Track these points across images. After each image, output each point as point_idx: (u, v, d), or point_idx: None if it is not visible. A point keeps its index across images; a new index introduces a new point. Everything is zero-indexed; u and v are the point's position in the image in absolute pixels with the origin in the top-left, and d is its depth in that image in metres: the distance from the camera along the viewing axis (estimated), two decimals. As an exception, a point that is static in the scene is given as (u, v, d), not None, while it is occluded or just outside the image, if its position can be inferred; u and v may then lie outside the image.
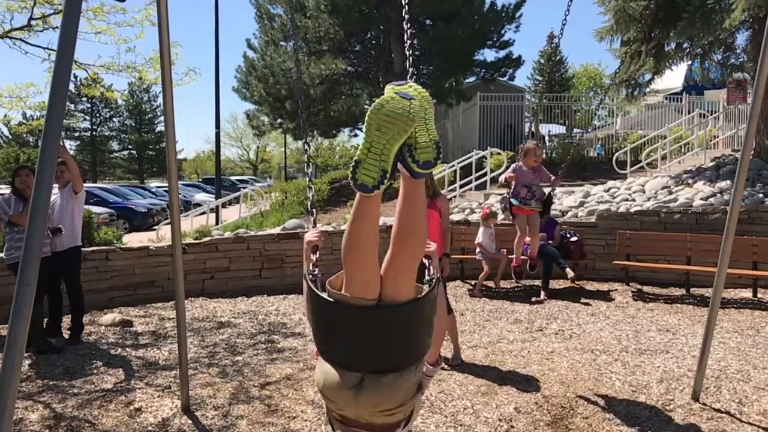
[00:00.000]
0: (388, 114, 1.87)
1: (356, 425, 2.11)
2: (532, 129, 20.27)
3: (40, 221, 2.24)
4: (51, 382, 4.88)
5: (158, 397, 4.55)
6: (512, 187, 5.13)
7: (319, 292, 2.10)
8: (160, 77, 3.94)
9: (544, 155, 5.50)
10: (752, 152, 11.60)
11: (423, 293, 2.13)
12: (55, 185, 6.38)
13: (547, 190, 5.36)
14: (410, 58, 2.91)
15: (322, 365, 2.12)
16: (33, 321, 5.21)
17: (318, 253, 2.49)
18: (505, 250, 8.68)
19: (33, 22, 7.39)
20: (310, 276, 2.28)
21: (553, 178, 5.26)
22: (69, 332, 6.16)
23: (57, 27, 7.31)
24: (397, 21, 19.42)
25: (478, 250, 8.61)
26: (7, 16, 7.49)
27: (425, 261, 2.38)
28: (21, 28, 7.49)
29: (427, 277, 2.32)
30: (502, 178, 5.42)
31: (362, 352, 2.03)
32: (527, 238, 5.35)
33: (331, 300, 2.05)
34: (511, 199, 5.15)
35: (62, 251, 5.93)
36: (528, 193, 5.09)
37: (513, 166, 5.22)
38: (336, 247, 9.39)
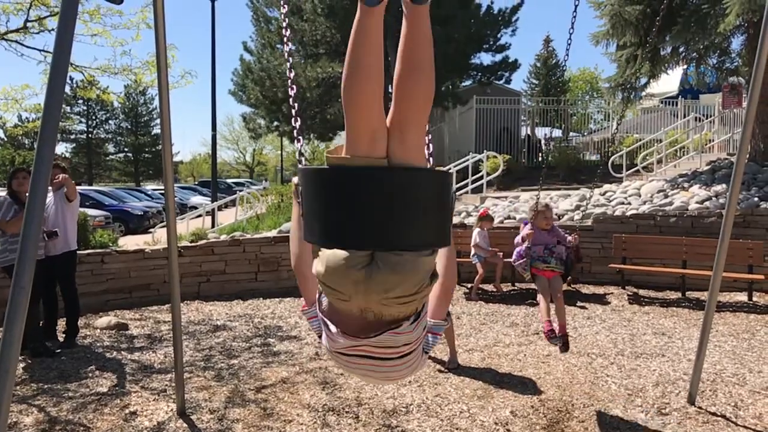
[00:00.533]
0: None
1: (360, 329, 1.84)
2: (528, 132, 20.36)
3: (36, 224, 2.23)
4: (46, 386, 4.86)
5: (153, 400, 4.54)
6: (526, 245, 4.98)
7: (311, 165, 1.78)
8: (156, 80, 3.93)
9: (555, 216, 5.49)
10: (747, 156, 11.64)
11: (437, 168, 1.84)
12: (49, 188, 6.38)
13: (564, 251, 5.17)
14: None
15: (323, 254, 1.79)
16: (28, 324, 5.20)
17: None
18: (501, 253, 8.70)
19: (29, 24, 7.38)
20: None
21: (569, 238, 5.13)
22: (64, 335, 6.13)
23: (53, 29, 7.31)
24: (393, 24, 19.46)
25: (473, 252, 8.61)
26: (3, 18, 7.52)
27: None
28: (17, 30, 7.47)
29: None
30: (518, 239, 5.12)
31: (373, 225, 1.69)
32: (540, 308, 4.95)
33: (329, 167, 1.76)
34: (531, 262, 4.98)
35: (56, 255, 5.89)
36: (545, 250, 4.98)
37: (528, 225, 5.10)
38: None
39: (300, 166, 1.93)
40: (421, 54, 1.73)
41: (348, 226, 1.72)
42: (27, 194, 5.68)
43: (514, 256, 5.17)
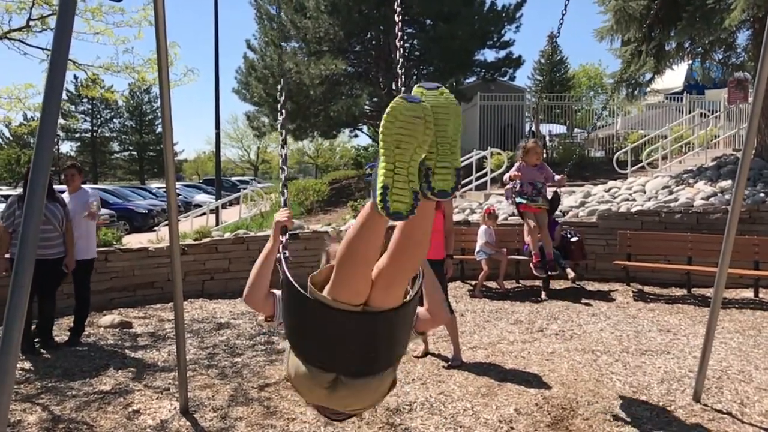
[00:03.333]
0: (403, 126, 1.64)
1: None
2: (533, 129, 20.28)
3: (35, 224, 2.21)
4: (49, 384, 4.86)
5: (157, 398, 4.53)
6: (517, 186, 5.19)
7: (297, 286, 1.94)
8: (158, 78, 3.92)
9: (544, 153, 5.68)
10: (753, 152, 11.58)
11: (409, 296, 2.00)
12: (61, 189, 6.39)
13: (552, 190, 5.43)
14: (401, 55, 2.71)
15: (293, 358, 1.99)
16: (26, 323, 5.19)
17: (287, 234, 2.37)
18: (505, 250, 8.67)
19: (31, 23, 7.38)
20: (284, 258, 2.20)
21: (557, 177, 5.29)
22: (69, 333, 6.14)
23: (56, 28, 7.29)
24: (396, 21, 19.41)
25: (477, 249, 8.59)
26: (6, 17, 7.50)
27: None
28: (20, 29, 7.48)
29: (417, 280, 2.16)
30: (506, 177, 5.41)
31: (341, 356, 1.90)
32: (527, 237, 5.43)
33: (311, 298, 1.90)
34: (518, 198, 5.18)
35: (55, 259, 5.81)
36: (534, 190, 5.14)
37: (516, 164, 5.25)
38: (336, 248, 9.38)
39: (287, 277, 2.01)
40: (422, 232, 1.88)
41: (319, 351, 1.92)
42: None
43: (504, 193, 5.60)
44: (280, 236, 2.32)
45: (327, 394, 1.93)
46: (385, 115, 1.66)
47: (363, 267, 1.85)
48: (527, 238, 5.47)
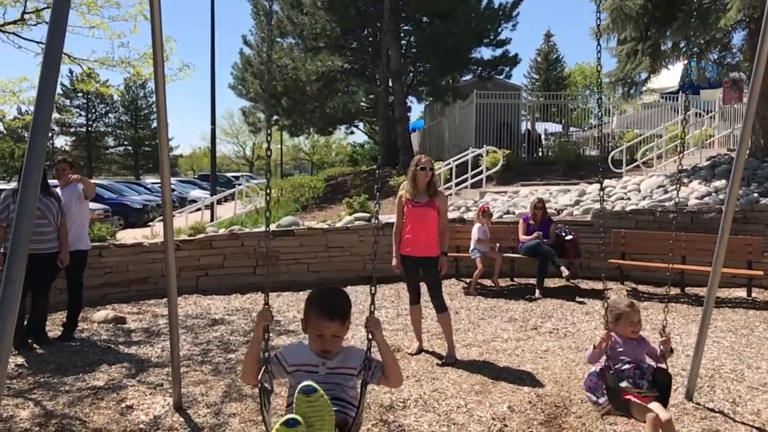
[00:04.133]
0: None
1: None
2: (529, 127, 20.31)
3: (27, 218, 2.21)
4: (42, 379, 4.85)
5: (150, 394, 4.53)
6: (605, 360, 3.44)
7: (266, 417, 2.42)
8: (153, 73, 3.90)
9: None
10: (747, 152, 11.61)
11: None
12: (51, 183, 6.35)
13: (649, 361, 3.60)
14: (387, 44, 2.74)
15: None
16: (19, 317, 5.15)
17: (270, 333, 2.60)
18: (499, 244, 8.69)
19: (26, 16, 7.35)
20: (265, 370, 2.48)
21: (661, 348, 3.54)
22: (62, 328, 6.12)
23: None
24: (393, 19, 19.40)
25: (471, 248, 8.60)
26: (0, 10, 7.44)
27: (367, 341, 2.50)
28: (14, 22, 7.44)
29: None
30: (589, 352, 3.60)
31: None
32: None
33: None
34: (614, 381, 3.34)
35: (50, 254, 5.78)
36: (636, 370, 3.42)
37: (605, 334, 3.50)
38: (331, 245, 9.34)
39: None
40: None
41: None
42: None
43: (585, 384, 3.68)
44: (263, 335, 2.54)
45: None
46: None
47: None
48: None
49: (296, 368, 2.44)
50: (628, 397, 3.31)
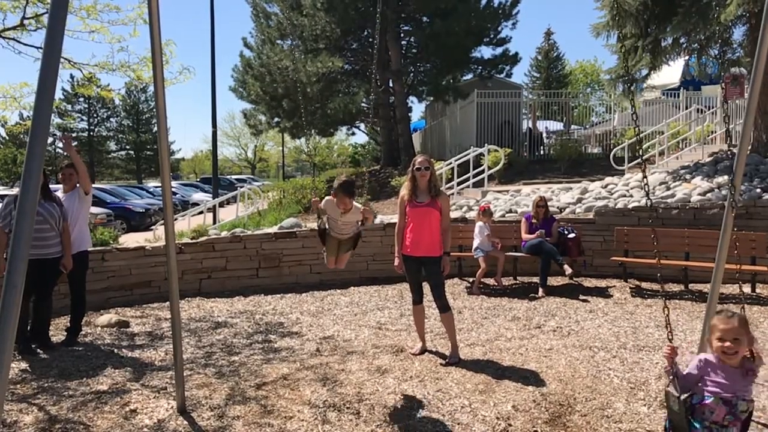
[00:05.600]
0: None
1: None
2: (530, 126, 20.29)
3: (28, 223, 2.20)
4: (46, 384, 4.85)
5: (154, 398, 4.52)
6: (687, 386, 2.74)
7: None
8: (152, 76, 3.90)
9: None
10: (750, 147, 11.58)
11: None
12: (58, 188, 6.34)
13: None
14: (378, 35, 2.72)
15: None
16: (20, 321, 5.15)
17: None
18: (499, 240, 8.68)
19: (26, 22, 7.34)
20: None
21: (753, 371, 2.71)
22: (66, 333, 6.12)
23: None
24: (393, 19, 19.39)
25: (474, 247, 8.58)
26: (0, 16, 7.44)
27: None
28: (14, 28, 7.44)
29: None
30: (665, 369, 2.89)
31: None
32: None
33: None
34: (681, 410, 2.65)
35: (53, 258, 5.78)
36: (728, 415, 2.61)
37: (702, 356, 2.81)
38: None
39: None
40: None
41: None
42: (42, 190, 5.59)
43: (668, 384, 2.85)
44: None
45: None
46: None
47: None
48: None
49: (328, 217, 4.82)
50: None
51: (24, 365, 5.34)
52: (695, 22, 10.06)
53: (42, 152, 2.28)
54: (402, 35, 21.78)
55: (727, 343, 2.59)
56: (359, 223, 4.88)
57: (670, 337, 2.91)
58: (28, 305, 5.67)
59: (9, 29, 7.45)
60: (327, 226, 4.86)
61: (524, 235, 8.65)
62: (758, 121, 11.48)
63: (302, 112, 19.18)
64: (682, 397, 2.59)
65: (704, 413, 2.57)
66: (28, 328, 5.80)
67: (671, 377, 2.71)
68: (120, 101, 53.65)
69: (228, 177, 45.39)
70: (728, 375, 2.60)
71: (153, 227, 17.53)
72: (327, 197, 4.80)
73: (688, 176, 10.97)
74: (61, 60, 7.70)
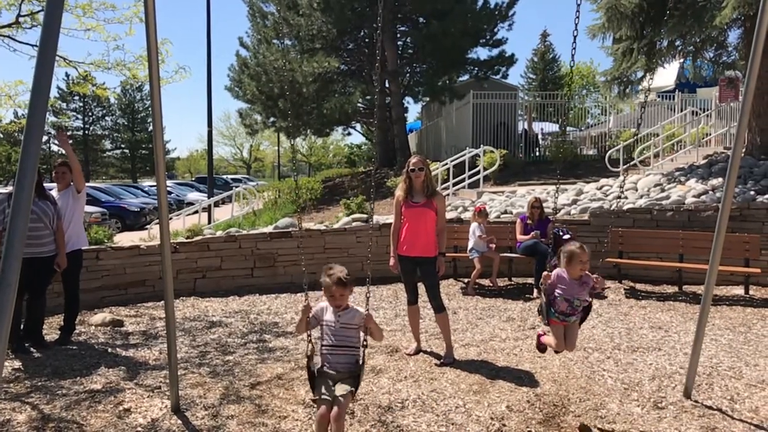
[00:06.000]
0: None
1: None
2: (525, 127, 20.32)
3: (22, 220, 2.20)
4: (39, 383, 4.83)
5: (148, 397, 4.51)
6: (549, 293, 4.13)
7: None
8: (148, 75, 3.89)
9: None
10: (744, 149, 11.63)
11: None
12: (52, 186, 6.32)
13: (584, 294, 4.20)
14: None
15: None
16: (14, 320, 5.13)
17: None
18: (493, 244, 8.69)
19: (21, 19, 7.33)
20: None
21: (595, 281, 4.13)
22: (59, 331, 6.10)
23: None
24: (390, 19, 19.40)
25: (469, 248, 8.59)
26: (-4, 14, 7.43)
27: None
28: (9, 26, 7.42)
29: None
30: (541, 283, 4.26)
31: None
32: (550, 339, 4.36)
33: None
34: (549, 309, 4.13)
35: (47, 257, 5.76)
36: (569, 308, 4.08)
37: (556, 272, 4.14)
38: (329, 246, 9.34)
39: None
40: None
41: None
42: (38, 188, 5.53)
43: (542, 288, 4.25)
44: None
45: None
46: None
47: None
48: (548, 338, 4.35)
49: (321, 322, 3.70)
50: (553, 323, 4.19)
51: (17, 364, 5.32)
52: (690, 25, 10.10)
53: (37, 151, 2.28)
54: (398, 36, 21.80)
55: (586, 266, 4.09)
56: (362, 336, 3.67)
57: (549, 271, 4.16)
58: (22, 304, 5.64)
59: (4, 27, 7.44)
60: (317, 355, 3.70)
61: (519, 236, 8.66)
62: (753, 123, 11.53)
63: (290, 113, 19.11)
64: (546, 302, 4.14)
65: (556, 305, 4.12)
66: (22, 326, 5.78)
67: (551, 292, 4.13)
68: (115, 100, 53.50)
69: (223, 176, 45.28)
70: (569, 284, 4.08)
71: (148, 226, 17.47)
72: (321, 303, 3.75)
73: (682, 178, 11.01)
74: (57, 58, 7.69)
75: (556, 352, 4.42)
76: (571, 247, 4.13)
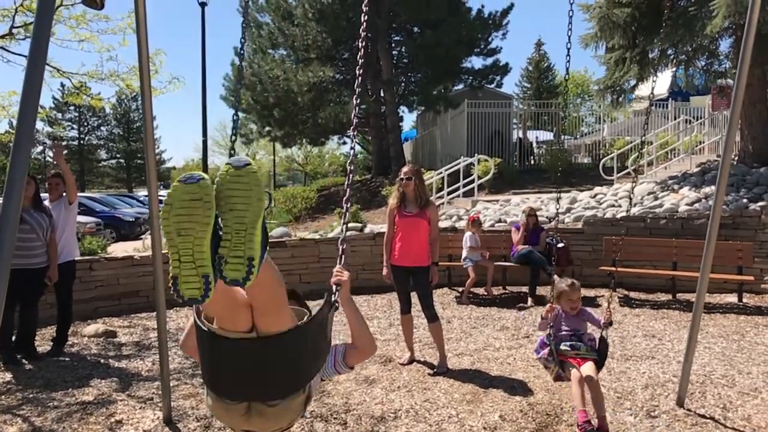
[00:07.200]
0: (180, 213, 1.60)
1: None
2: (520, 136, 20.38)
3: (10, 232, 2.19)
4: (30, 395, 4.80)
5: (140, 408, 4.49)
6: (550, 330, 4.11)
7: (198, 320, 1.98)
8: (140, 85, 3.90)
9: (580, 296, 4.24)
10: (736, 158, 11.69)
11: (305, 319, 2.03)
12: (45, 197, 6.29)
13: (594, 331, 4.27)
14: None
15: (209, 392, 2.04)
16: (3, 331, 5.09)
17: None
18: (487, 252, 8.70)
19: (14, 30, 7.34)
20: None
21: (602, 319, 4.18)
22: (52, 342, 6.07)
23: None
24: (384, 29, 19.49)
25: (463, 257, 8.60)
26: (-11, 25, 7.45)
27: (333, 287, 2.28)
28: (2, 37, 7.43)
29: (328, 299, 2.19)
30: (538, 322, 4.24)
31: (243, 383, 1.92)
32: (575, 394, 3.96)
33: (206, 330, 1.94)
34: (556, 346, 4.04)
35: (39, 268, 5.73)
36: (573, 336, 4.10)
37: (549, 307, 4.15)
38: (323, 255, 9.32)
39: (195, 313, 2.05)
40: (264, 298, 1.90)
41: (222, 380, 1.97)
42: (28, 200, 5.47)
43: (536, 346, 4.29)
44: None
45: (244, 420, 1.98)
46: (163, 202, 1.66)
47: (228, 311, 1.91)
48: (574, 396, 3.94)
49: None
50: (563, 359, 4.06)
51: (8, 376, 5.29)
52: (682, 34, 10.17)
53: (26, 160, 2.28)
54: (393, 45, 21.87)
55: (575, 303, 4.17)
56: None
57: (551, 300, 4.23)
58: (13, 315, 5.61)
59: (-2, 38, 7.45)
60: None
61: (515, 240, 8.65)
62: (745, 132, 11.61)
63: (286, 121, 19.14)
64: (553, 338, 4.09)
65: (563, 340, 4.10)
66: (13, 338, 5.75)
67: (551, 327, 4.13)
68: (111, 110, 53.48)
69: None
70: (570, 319, 4.18)
71: (143, 236, 17.44)
72: None
73: (676, 186, 11.05)
74: (51, 69, 7.71)
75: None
76: (561, 285, 4.24)
